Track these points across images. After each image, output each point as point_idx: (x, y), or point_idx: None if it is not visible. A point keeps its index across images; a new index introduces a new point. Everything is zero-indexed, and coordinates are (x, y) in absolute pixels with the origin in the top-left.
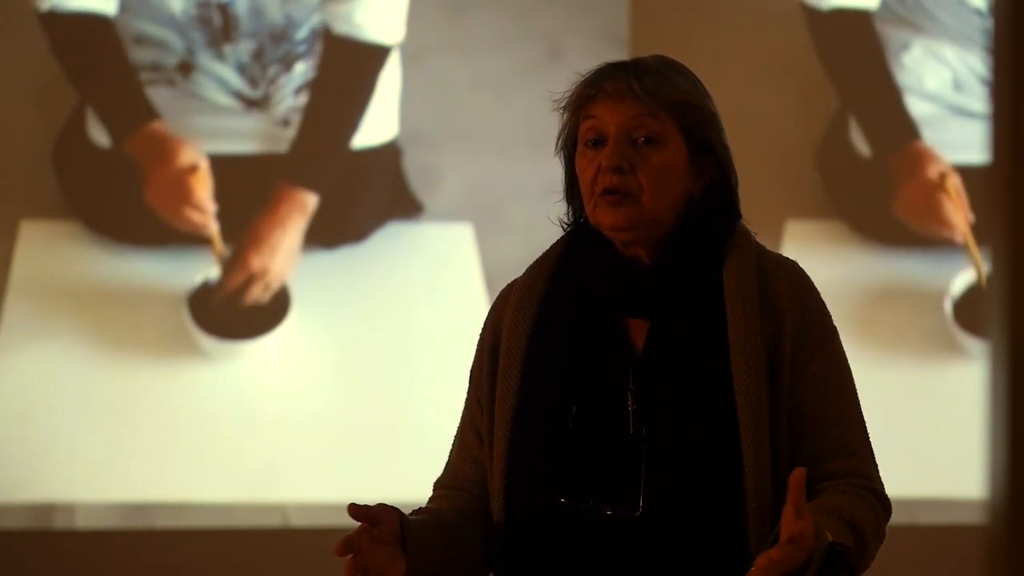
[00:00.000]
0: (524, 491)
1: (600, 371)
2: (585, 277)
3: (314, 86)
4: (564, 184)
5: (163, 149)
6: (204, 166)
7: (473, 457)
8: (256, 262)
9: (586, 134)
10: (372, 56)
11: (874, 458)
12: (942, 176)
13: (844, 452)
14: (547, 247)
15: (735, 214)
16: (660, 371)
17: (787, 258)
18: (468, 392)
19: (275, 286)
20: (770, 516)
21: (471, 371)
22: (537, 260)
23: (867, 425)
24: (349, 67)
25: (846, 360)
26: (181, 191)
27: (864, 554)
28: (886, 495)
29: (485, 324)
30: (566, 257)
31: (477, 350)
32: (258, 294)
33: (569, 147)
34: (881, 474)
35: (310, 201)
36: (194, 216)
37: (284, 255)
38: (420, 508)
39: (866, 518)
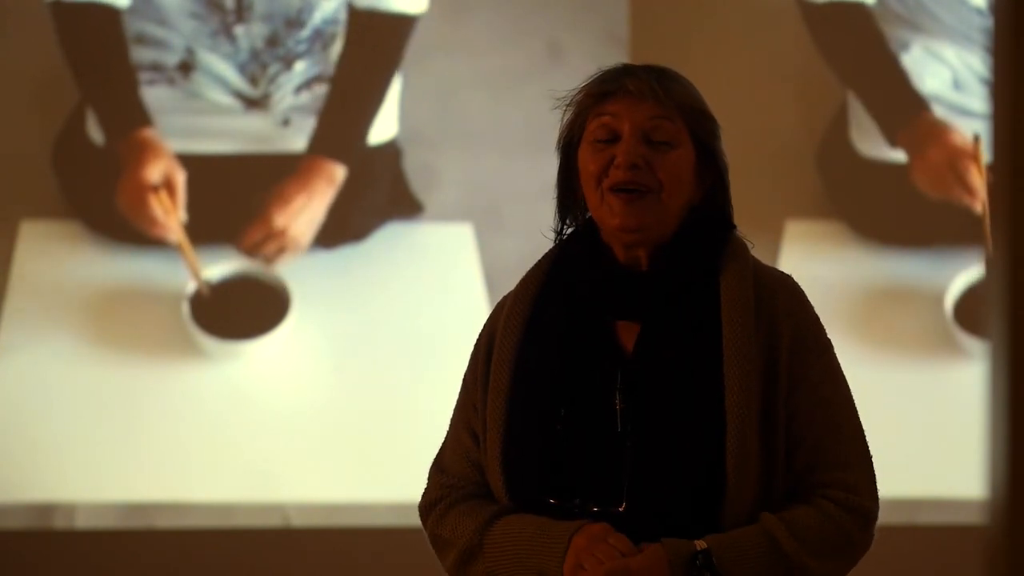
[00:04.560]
0: (520, 492)
1: (589, 373)
2: (577, 281)
3: (340, 64)
4: (557, 186)
5: (137, 158)
6: (176, 181)
7: (473, 460)
8: (279, 220)
9: (596, 132)
10: (397, 26)
11: (869, 469)
12: (976, 139)
13: (836, 464)
14: (547, 247)
15: (729, 224)
16: (649, 371)
17: (783, 272)
18: (460, 396)
19: (289, 250)
20: (746, 519)
21: (464, 377)
22: (530, 270)
23: (865, 434)
24: (374, 40)
25: (842, 372)
26: (140, 206)
27: (793, 559)
28: (865, 507)
29: (481, 333)
30: (559, 264)
31: (472, 357)
32: (271, 254)
33: (571, 146)
34: (881, 474)
35: (338, 172)
36: (152, 230)
37: (305, 220)
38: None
39: (797, 526)
